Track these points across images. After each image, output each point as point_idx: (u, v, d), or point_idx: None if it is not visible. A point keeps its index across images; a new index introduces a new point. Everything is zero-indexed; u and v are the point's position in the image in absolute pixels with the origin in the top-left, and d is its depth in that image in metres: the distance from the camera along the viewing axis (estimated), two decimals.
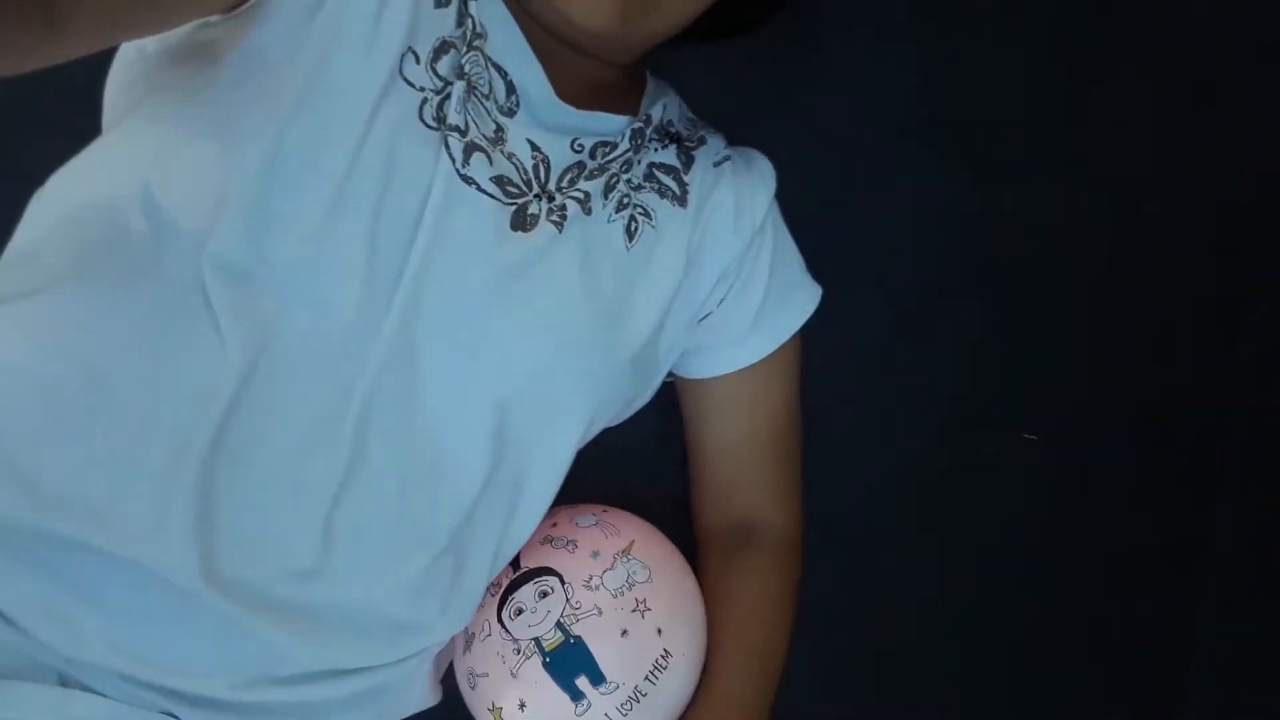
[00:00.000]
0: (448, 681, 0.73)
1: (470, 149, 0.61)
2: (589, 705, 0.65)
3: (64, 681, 0.55)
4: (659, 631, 0.67)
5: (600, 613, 0.66)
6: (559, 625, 0.66)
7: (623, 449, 0.77)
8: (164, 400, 0.55)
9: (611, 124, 0.69)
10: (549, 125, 0.65)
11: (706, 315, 0.75)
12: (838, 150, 0.89)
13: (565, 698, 0.65)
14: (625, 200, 0.68)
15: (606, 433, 0.73)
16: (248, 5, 0.58)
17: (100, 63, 0.65)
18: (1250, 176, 0.92)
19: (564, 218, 0.65)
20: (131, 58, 0.64)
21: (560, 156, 0.66)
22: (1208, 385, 0.94)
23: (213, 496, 0.54)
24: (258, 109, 0.56)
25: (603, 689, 0.65)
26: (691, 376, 0.79)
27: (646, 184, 0.70)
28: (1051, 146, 0.91)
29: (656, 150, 0.72)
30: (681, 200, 0.71)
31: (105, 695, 0.55)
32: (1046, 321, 0.94)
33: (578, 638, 0.66)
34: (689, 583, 0.73)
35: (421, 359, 0.60)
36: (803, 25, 0.86)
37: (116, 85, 0.66)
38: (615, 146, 0.69)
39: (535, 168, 0.64)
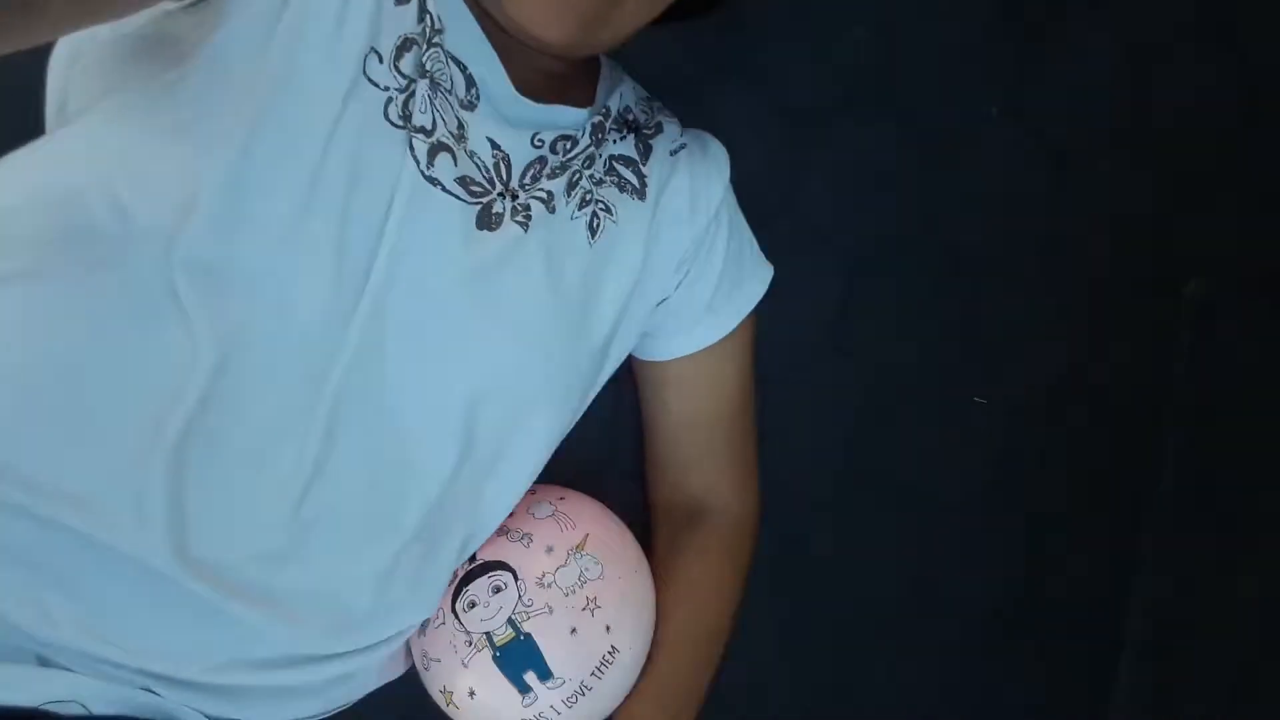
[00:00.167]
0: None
1: (435, 150, 0.60)
2: (536, 698, 0.68)
3: (43, 663, 0.56)
4: (607, 629, 0.69)
5: (551, 611, 0.68)
6: (510, 621, 0.68)
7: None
8: (134, 391, 0.55)
9: (571, 117, 0.68)
10: (509, 119, 0.65)
11: (664, 300, 0.76)
12: (787, 115, 0.88)
13: (513, 690, 0.68)
14: (588, 197, 0.69)
15: None
16: None
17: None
18: (1201, 145, 0.93)
19: (529, 218, 0.65)
20: (84, 46, 0.61)
21: (521, 153, 0.66)
22: (1149, 360, 0.97)
23: (185, 480, 0.55)
24: (225, 112, 0.56)
25: (550, 684, 0.68)
26: (648, 358, 0.79)
27: (607, 178, 0.70)
28: (1002, 110, 0.91)
29: (616, 142, 0.72)
30: (640, 193, 0.72)
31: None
32: (996, 289, 0.95)
33: (528, 635, 0.67)
34: (641, 576, 0.75)
35: (389, 358, 0.60)
36: None
37: (66, 74, 0.63)
38: (576, 142, 0.68)
39: (496, 165, 0.64)
